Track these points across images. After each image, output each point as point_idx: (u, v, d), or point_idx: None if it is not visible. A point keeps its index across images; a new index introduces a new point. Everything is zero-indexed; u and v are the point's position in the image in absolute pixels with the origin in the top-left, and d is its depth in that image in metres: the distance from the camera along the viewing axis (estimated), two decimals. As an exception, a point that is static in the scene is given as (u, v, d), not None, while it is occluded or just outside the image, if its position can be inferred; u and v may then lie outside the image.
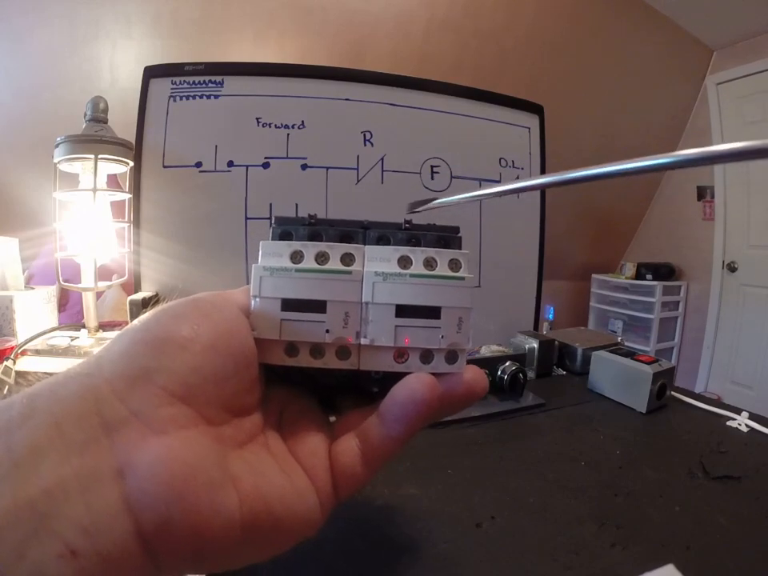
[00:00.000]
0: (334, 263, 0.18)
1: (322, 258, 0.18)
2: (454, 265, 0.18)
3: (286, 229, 0.19)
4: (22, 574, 0.10)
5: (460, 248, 0.19)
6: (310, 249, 0.18)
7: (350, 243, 0.19)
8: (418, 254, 0.18)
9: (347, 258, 0.18)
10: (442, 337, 0.18)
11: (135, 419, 0.13)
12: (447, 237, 0.19)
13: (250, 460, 0.15)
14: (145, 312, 0.16)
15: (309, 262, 0.18)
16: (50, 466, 0.11)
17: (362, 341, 0.17)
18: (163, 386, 0.14)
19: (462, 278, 0.18)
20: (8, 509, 0.11)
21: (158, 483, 0.12)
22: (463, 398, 0.18)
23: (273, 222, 0.19)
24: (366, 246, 0.19)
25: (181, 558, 0.13)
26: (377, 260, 0.18)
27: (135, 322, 0.16)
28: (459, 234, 0.20)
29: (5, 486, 0.11)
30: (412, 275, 0.18)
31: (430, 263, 0.18)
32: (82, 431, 0.12)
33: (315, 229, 0.19)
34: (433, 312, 0.18)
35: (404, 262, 0.18)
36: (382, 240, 0.19)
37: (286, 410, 0.19)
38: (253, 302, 0.18)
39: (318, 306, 0.17)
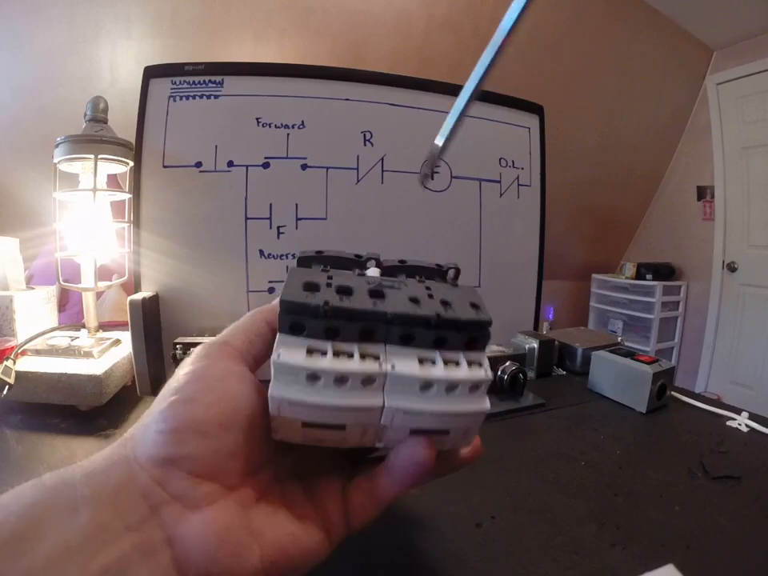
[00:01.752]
0: (355, 384, 0.17)
1: (341, 381, 0.17)
2: (476, 367, 0.18)
3: (297, 320, 0.17)
4: None
5: (487, 339, 0.19)
6: (327, 365, 0.17)
7: (370, 340, 0.18)
8: (439, 361, 0.18)
9: (368, 380, 0.17)
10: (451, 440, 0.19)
11: (174, 500, 0.16)
12: (476, 335, 0.19)
13: (269, 512, 0.18)
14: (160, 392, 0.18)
15: (328, 381, 0.17)
16: (115, 540, 0.14)
17: (378, 444, 0.19)
18: (191, 471, 0.16)
19: (480, 387, 0.18)
20: (84, 574, 0.13)
21: (199, 551, 0.16)
22: (459, 466, 0.22)
23: (283, 303, 0.17)
24: (388, 349, 0.18)
25: None
26: (399, 374, 0.17)
27: (155, 409, 0.18)
28: (489, 328, 0.19)
29: (80, 556, 0.14)
30: (431, 394, 0.18)
31: (450, 365, 0.18)
32: (134, 512, 0.15)
33: (332, 324, 0.17)
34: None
35: (425, 380, 0.17)
36: (405, 340, 0.18)
37: (301, 455, 0.21)
38: (271, 409, 0.17)
39: (338, 425, 0.18)
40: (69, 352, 0.51)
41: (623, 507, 0.34)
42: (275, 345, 0.17)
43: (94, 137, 0.53)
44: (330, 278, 0.19)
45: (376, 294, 0.19)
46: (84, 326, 0.56)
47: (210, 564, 0.16)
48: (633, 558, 0.28)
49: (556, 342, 0.66)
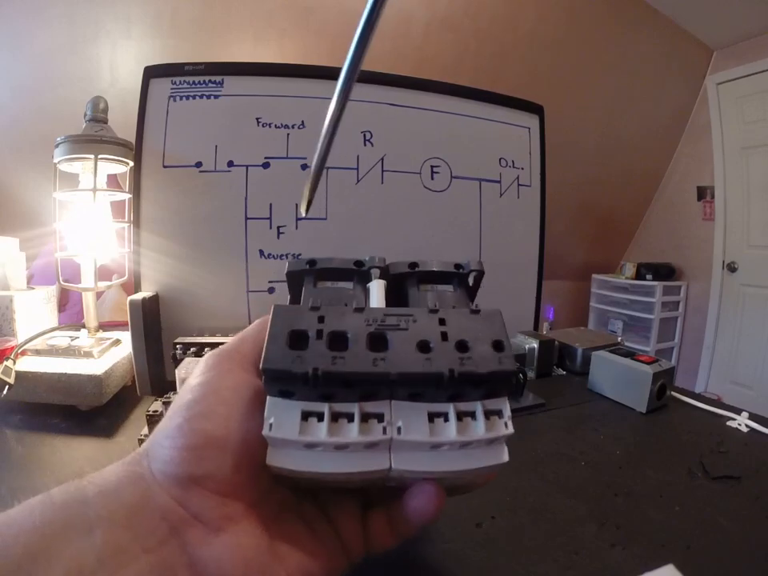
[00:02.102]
0: (357, 448, 0.15)
1: (342, 447, 0.15)
2: (495, 416, 0.16)
3: (285, 388, 0.15)
4: None
5: (511, 387, 0.17)
6: (324, 437, 0.15)
7: (373, 399, 0.16)
8: (452, 417, 0.16)
9: (372, 445, 0.15)
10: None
11: (196, 521, 0.15)
12: (495, 387, 0.16)
13: (290, 532, 0.17)
14: (169, 401, 0.17)
15: (327, 448, 0.15)
16: (132, 562, 0.14)
17: (388, 483, 0.18)
18: (213, 489, 0.16)
19: (499, 440, 0.16)
20: None
21: (224, 573, 0.15)
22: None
23: (266, 372, 0.15)
24: (393, 405, 0.16)
25: None
26: (406, 440, 0.15)
27: (170, 425, 0.17)
28: (513, 379, 0.17)
29: None
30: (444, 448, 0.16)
31: (464, 418, 0.16)
32: (152, 534, 0.15)
33: (326, 391, 0.15)
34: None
35: (436, 443, 0.15)
36: (414, 396, 0.16)
37: None
38: (270, 470, 0.16)
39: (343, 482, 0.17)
40: (69, 352, 0.51)
41: (623, 507, 0.34)
42: (265, 410, 0.16)
43: (94, 137, 0.53)
44: (321, 319, 0.16)
45: (377, 340, 0.16)
46: (84, 326, 0.56)
47: None
48: (633, 558, 0.28)
49: (556, 342, 0.66)
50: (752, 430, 0.47)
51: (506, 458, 0.16)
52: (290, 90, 0.59)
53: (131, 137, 0.56)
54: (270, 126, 0.58)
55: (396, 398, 0.16)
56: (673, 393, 0.55)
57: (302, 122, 0.59)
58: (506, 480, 0.37)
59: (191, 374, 0.18)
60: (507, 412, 0.16)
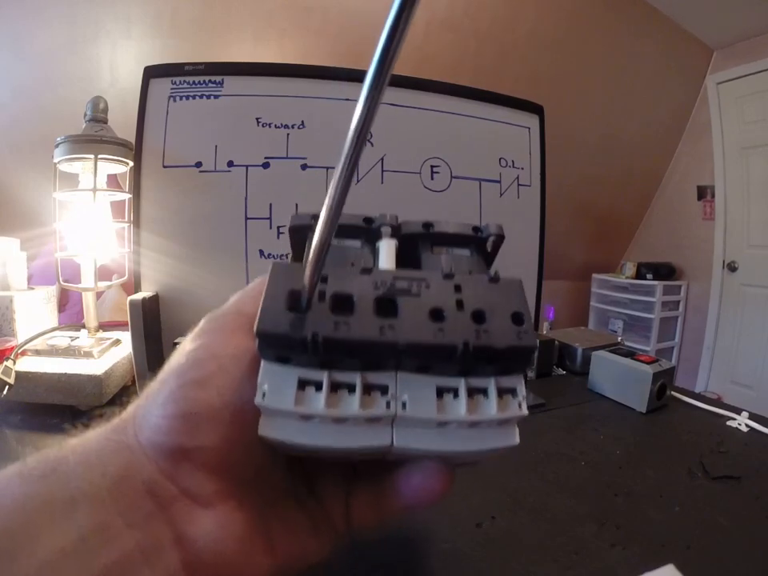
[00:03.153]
0: (358, 422, 0.14)
1: (340, 421, 0.14)
2: (509, 395, 0.15)
3: (281, 353, 0.14)
4: None
5: (528, 364, 0.15)
6: (322, 409, 0.14)
7: (376, 369, 0.14)
8: (462, 393, 0.14)
9: (373, 420, 0.14)
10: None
11: (184, 496, 0.14)
12: (511, 363, 0.15)
13: (279, 511, 0.17)
14: (161, 366, 0.16)
15: (325, 420, 0.14)
16: (116, 539, 0.13)
17: (387, 458, 0.16)
18: (204, 463, 0.15)
19: (511, 421, 0.15)
20: None
21: (212, 552, 0.14)
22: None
23: (260, 335, 0.14)
24: (399, 377, 0.14)
25: None
26: (411, 417, 0.14)
27: (161, 390, 0.15)
28: (532, 357, 0.15)
29: (78, 559, 0.12)
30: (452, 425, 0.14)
31: (475, 395, 0.14)
32: (138, 509, 0.14)
33: (326, 358, 0.14)
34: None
35: (443, 421, 0.14)
36: (422, 369, 0.14)
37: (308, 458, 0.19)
38: (263, 441, 0.15)
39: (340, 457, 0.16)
40: (69, 352, 0.51)
41: (623, 507, 0.34)
42: (259, 376, 0.14)
43: (94, 137, 0.53)
44: (324, 279, 0.15)
45: (386, 306, 0.14)
46: (84, 326, 0.56)
47: (222, 566, 0.15)
48: (633, 558, 0.28)
49: (556, 342, 0.66)
50: (752, 429, 0.47)
51: (516, 440, 0.15)
52: (289, 89, 0.59)
53: (131, 137, 0.56)
54: (269, 126, 0.58)
55: (402, 370, 0.14)
56: (673, 393, 0.55)
57: (302, 122, 0.59)
58: (505, 480, 0.37)
59: (185, 337, 0.17)
60: (522, 391, 0.15)
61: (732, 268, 2.27)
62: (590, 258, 2.65)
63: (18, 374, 0.46)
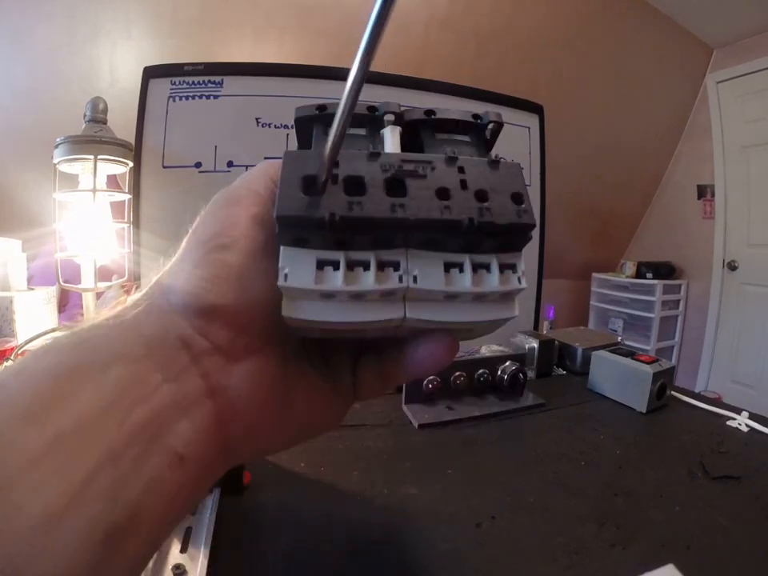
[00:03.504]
0: (373, 298, 0.15)
1: (357, 297, 0.15)
2: (509, 270, 0.16)
3: (300, 235, 0.15)
4: (140, 480, 0.12)
5: (527, 242, 0.16)
6: (340, 285, 0.14)
7: (388, 247, 0.15)
8: (468, 268, 0.15)
9: (388, 293, 0.15)
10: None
11: (217, 351, 0.15)
12: (512, 241, 0.16)
13: (301, 370, 0.18)
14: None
15: (343, 297, 0.15)
16: (152, 393, 0.13)
17: (398, 333, 0.17)
18: (234, 320, 0.16)
19: (512, 294, 0.16)
20: (124, 431, 0.12)
21: (244, 401, 0.15)
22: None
23: (280, 219, 0.14)
24: (409, 254, 0.15)
25: (249, 454, 0.17)
26: (421, 289, 0.15)
27: (189, 256, 0.16)
28: (530, 233, 0.16)
29: (115, 414, 0.13)
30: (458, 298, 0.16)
31: (478, 270, 0.16)
32: (173, 364, 0.14)
33: (342, 237, 0.15)
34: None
35: (451, 293, 0.15)
36: (430, 245, 0.15)
37: None
38: (285, 320, 0.15)
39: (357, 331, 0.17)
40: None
41: (623, 507, 0.34)
42: (279, 260, 0.15)
43: (94, 137, 0.53)
44: (335, 164, 0.15)
45: (395, 186, 0.15)
46: (84, 327, 0.56)
47: (251, 417, 0.16)
48: (633, 558, 0.28)
49: (556, 342, 0.66)
50: (752, 429, 0.47)
51: (516, 312, 0.16)
52: (289, 89, 0.59)
53: (131, 137, 0.56)
54: (269, 126, 0.58)
55: (412, 247, 0.15)
56: (673, 392, 0.55)
57: (302, 122, 0.59)
58: (505, 480, 0.37)
59: (208, 209, 0.18)
60: (521, 267, 0.16)
61: (732, 267, 2.27)
62: (589, 257, 2.65)
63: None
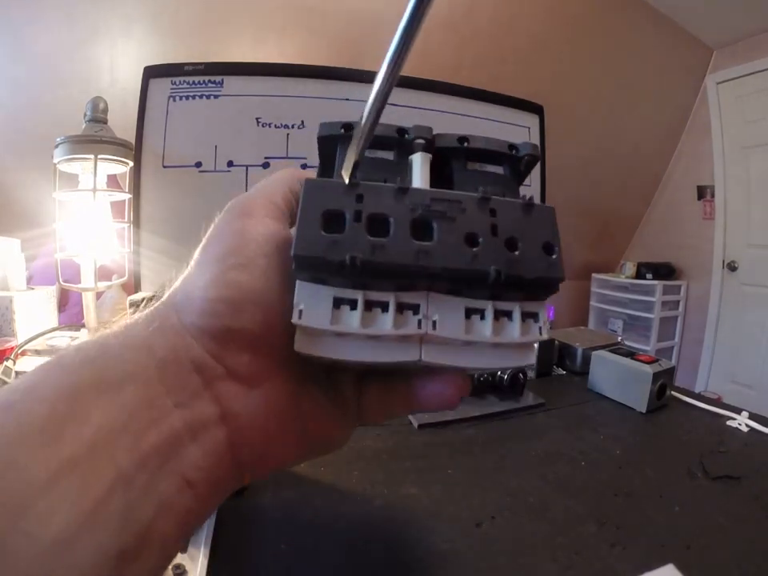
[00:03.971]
0: (389, 339, 0.15)
1: (373, 338, 0.14)
2: (531, 320, 0.15)
3: (318, 275, 0.14)
4: (151, 505, 0.12)
5: (553, 292, 0.16)
6: (357, 327, 0.14)
7: (409, 290, 0.15)
8: (489, 316, 0.15)
9: (404, 338, 0.15)
10: None
11: (230, 375, 0.15)
12: (537, 291, 0.15)
13: (311, 394, 0.17)
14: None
15: (358, 338, 0.14)
16: (165, 417, 0.13)
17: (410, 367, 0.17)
18: (248, 344, 0.15)
19: (528, 346, 0.16)
20: (135, 456, 0.12)
21: (257, 427, 0.15)
22: None
23: (297, 258, 0.14)
24: (430, 298, 0.15)
25: (258, 474, 0.17)
26: (440, 336, 0.15)
27: (202, 274, 0.16)
28: (558, 286, 0.15)
29: (127, 438, 0.12)
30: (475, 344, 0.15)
31: (500, 318, 0.15)
32: (185, 387, 0.14)
33: (362, 280, 0.14)
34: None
35: (470, 341, 0.15)
36: (453, 291, 0.15)
37: None
38: (298, 353, 0.15)
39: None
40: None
41: (623, 507, 0.34)
42: (295, 295, 0.14)
43: (94, 137, 0.53)
44: (359, 198, 0.14)
45: (421, 229, 0.14)
46: (84, 326, 0.56)
47: (266, 442, 0.16)
48: (633, 558, 0.28)
49: (556, 342, 0.66)
50: (752, 429, 0.47)
51: (533, 360, 0.16)
52: (289, 89, 0.59)
53: (131, 137, 0.56)
54: (269, 126, 0.58)
55: (434, 290, 0.15)
56: (673, 392, 0.55)
57: (302, 121, 0.59)
58: (506, 480, 0.37)
59: (221, 220, 0.17)
60: (543, 317, 0.16)
61: (732, 268, 2.27)
62: (589, 257, 2.65)
63: (18, 375, 0.46)
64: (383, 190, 0.15)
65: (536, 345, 0.17)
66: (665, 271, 2.39)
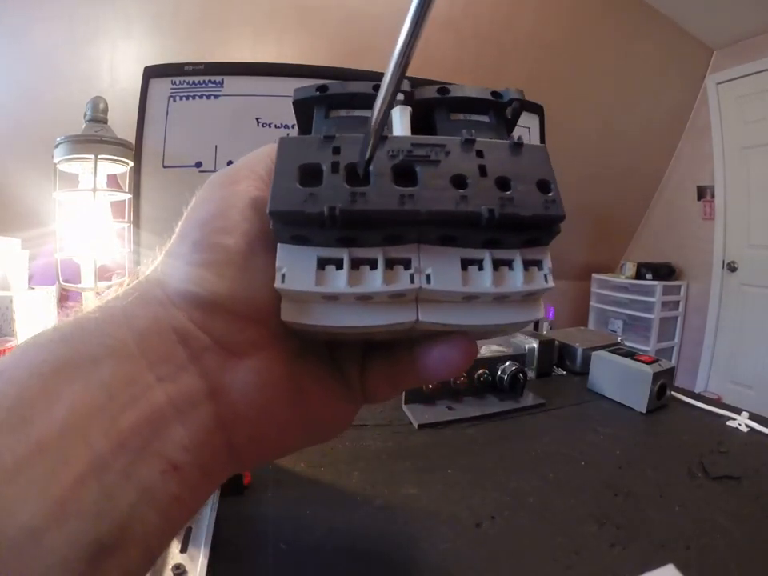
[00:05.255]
0: (382, 299, 0.13)
1: (364, 298, 0.13)
2: (534, 267, 0.14)
3: (298, 232, 0.13)
4: (131, 492, 0.11)
5: (555, 235, 0.14)
6: (344, 287, 0.13)
7: (398, 243, 0.14)
8: (488, 265, 0.14)
9: (398, 295, 0.13)
10: None
11: (218, 346, 0.14)
12: (537, 234, 0.14)
13: (310, 367, 0.16)
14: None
15: (348, 299, 0.13)
16: (145, 393, 0.12)
17: (410, 333, 0.15)
18: (237, 311, 0.14)
19: (536, 294, 0.14)
20: (112, 437, 0.11)
21: (249, 403, 0.14)
22: None
23: (273, 214, 0.13)
24: (422, 250, 0.14)
25: (253, 460, 0.16)
26: (435, 290, 0.13)
27: (185, 239, 0.15)
28: (559, 226, 0.14)
29: (104, 417, 0.11)
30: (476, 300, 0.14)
31: (500, 268, 0.14)
32: (169, 361, 0.13)
33: (345, 234, 0.13)
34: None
35: (468, 294, 0.14)
36: (445, 240, 0.14)
37: None
38: (285, 324, 0.14)
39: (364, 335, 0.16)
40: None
41: (623, 507, 0.34)
42: (276, 259, 0.13)
43: (94, 137, 0.53)
44: (336, 150, 0.14)
45: (404, 174, 0.13)
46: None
47: (260, 418, 0.14)
48: (633, 558, 0.28)
49: (556, 342, 0.66)
50: (752, 429, 0.47)
51: (541, 313, 0.15)
52: (290, 89, 0.58)
53: (131, 137, 0.56)
54: (269, 126, 0.58)
55: (424, 242, 0.14)
56: (673, 393, 0.55)
57: (302, 122, 0.59)
58: (506, 480, 0.37)
59: (204, 189, 0.16)
60: (548, 263, 0.14)
61: (732, 268, 2.27)
62: (589, 258, 2.65)
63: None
64: (361, 140, 0.14)
65: (545, 290, 0.14)
66: (665, 271, 2.39)
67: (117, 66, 1.41)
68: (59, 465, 0.10)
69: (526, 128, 0.72)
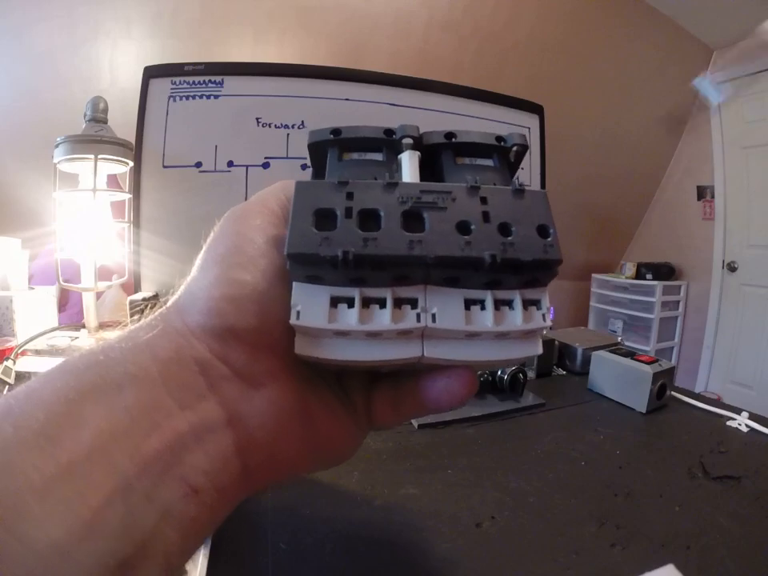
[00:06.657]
0: (389, 336, 0.14)
1: (373, 335, 0.14)
2: (533, 307, 0.15)
3: (312, 273, 0.14)
4: (153, 513, 0.12)
5: (552, 277, 0.15)
6: (355, 324, 0.14)
7: (406, 283, 0.15)
8: (489, 305, 0.15)
9: (405, 332, 0.14)
10: None
11: (236, 376, 0.15)
12: (536, 276, 0.15)
13: (320, 395, 0.17)
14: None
15: (358, 335, 0.14)
16: (167, 421, 0.13)
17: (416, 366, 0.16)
18: (253, 343, 0.15)
19: (535, 332, 0.15)
20: (136, 461, 0.12)
21: (264, 430, 0.15)
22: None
23: (291, 256, 0.14)
24: (428, 290, 0.15)
25: (267, 482, 0.16)
26: (440, 328, 0.14)
27: (205, 275, 0.16)
28: (557, 269, 0.15)
29: (128, 442, 0.12)
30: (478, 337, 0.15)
31: (501, 307, 0.15)
32: (189, 389, 0.14)
33: (357, 275, 0.14)
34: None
35: (471, 332, 0.15)
36: (450, 282, 0.15)
37: None
38: (299, 357, 0.15)
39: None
40: (69, 352, 0.51)
41: (623, 507, 0.34)
42: (291, 297, 0.14)
43: (94, 137, 0.53)
44: (349, 196, 0.15)
45: (413, 221, 0.14)
46: (84, 326, 0.56)
47: (275, 444, 0.15)
48: (633, 558, 0.28)
49: (556, 342, 0.66)
50: (752, 429, 0.47)
51: (540, 350, 0.16)
52: (290, 89, 0.59)
53: (131, 137, 0.56)
54: (269, 126, 0.58)
55: (431, 283, 0.15)
56: (673, 393, 0.55)
57: (302, 121, 0.59)
58: (505, 480, 0.37)
59: (222, 225, 0.17)
60: (546, 303, 0.15)
61: (732, 268, 2.27)
62: (589, 257, 2.65)
63: (18, 374, 0.46)
64: (373, 186, 0.15)
65: (544, 332, 0.16)
66: (665, 271, 2.39)
67: (117, 66, 1.41)
68: (87, 486, 0.11)
69: (526, 128, 0.72)
